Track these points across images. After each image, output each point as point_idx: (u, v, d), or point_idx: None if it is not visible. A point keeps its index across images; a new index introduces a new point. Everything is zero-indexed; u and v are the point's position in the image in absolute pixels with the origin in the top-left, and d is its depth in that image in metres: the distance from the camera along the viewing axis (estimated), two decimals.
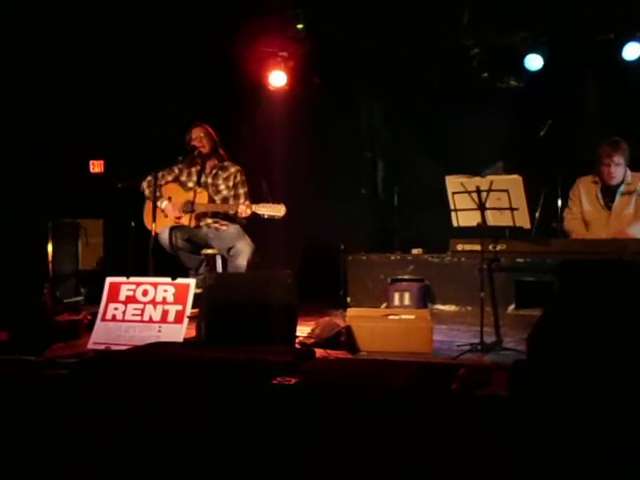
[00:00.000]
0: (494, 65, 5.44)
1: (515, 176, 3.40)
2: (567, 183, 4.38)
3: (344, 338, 3.53)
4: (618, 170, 3.85)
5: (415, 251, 5.58)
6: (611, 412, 1.90)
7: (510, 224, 3.45)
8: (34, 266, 4.67)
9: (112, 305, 3.60)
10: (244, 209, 4.17)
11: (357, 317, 3.65)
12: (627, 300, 2.58)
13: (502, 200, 3.38)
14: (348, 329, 3.52)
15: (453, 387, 2.22)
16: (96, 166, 5.70)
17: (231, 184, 4.46)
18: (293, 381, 2.30)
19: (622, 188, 3.91)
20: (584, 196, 4.02)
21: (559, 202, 4.80)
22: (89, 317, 3.85)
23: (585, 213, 4.01)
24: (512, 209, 3.38)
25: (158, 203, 4.27)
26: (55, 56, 5.23)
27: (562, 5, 4.99)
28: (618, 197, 3.92)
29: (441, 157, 5.73)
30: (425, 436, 1.88)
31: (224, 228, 4.36)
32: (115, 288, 3.64)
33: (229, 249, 4.26)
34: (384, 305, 5.15)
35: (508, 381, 2.12)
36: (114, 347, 3.40)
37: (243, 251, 4.19)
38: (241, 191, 4.46)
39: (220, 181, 4.47)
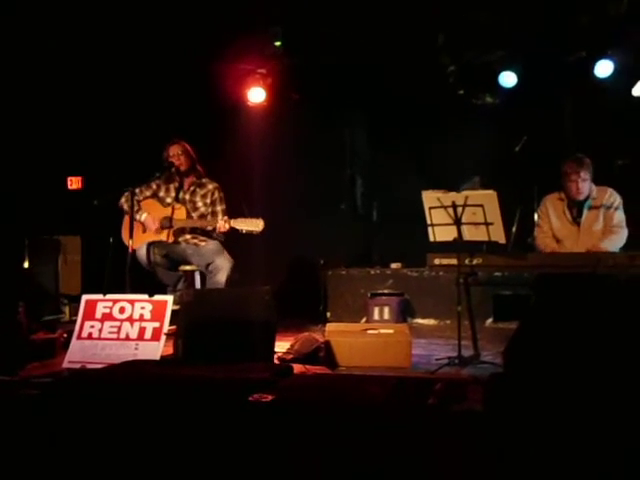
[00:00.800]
0: (470, 82, 5.53)
1: (490, 191, 3.44)
2: (543, 198, 4.45)
3: (323, 353, 3.52)
4: (585, 185, 3.95)
5: (394, 265, 5.61)
6: (586, 423, 1.92)
7: (485, 238, 3.49)
8: (9, 284, 4.60)
9: (88, 323, 3.56)
10: (222, 224, 4.17)
11: (336, 332, 3.65)
12: (601, 313, 2.62)
13: (477, 215, 3.43)
14: (327, 344, 3.51)
15: (430, 402, 2.22)
16: (74, 182, 5.66)
17: (209, 201, 4.46)
18: (270, 398, 2.29)
19: (589, 203, 3.99)
20: (552, 213, 4.11)
21: (535, 217, 4.86)
22: (65, 335, 3.80)
23: (555, 230, 4.09)
24: (487, 224, 3.42)
25: (137, 216, 4.25)
26: (32, 72, 5.20)
27: (535, 24, 5.09)
28: (585, 212, 4.00)
29: (419, 173, 5.79)
30: (403, 451, 1.88)
31: (203, 244, 4.35)
32: (91, 306, 3.60)
33: (208, 265, 4.25)
34: (364, 319, 5.15)
35: (484, 395, 2.13)
36: (90, 366, 3.35)
37: (222, 267, 4.18)
38: (219, 208, 4.46)
39: (198, 198, 4.47)
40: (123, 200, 4.42)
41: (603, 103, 5.36)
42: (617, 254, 3.57)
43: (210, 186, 4.49)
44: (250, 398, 2.26)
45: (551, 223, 4.09)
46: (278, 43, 5.35)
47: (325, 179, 6.16)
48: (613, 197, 3.96)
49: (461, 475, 1.68)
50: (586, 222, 3.97)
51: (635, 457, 1.76)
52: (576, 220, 4.02)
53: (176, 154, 4.41)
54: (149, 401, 2.43)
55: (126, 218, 4.40)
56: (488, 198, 3.42)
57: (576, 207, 4.02)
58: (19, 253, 4.97)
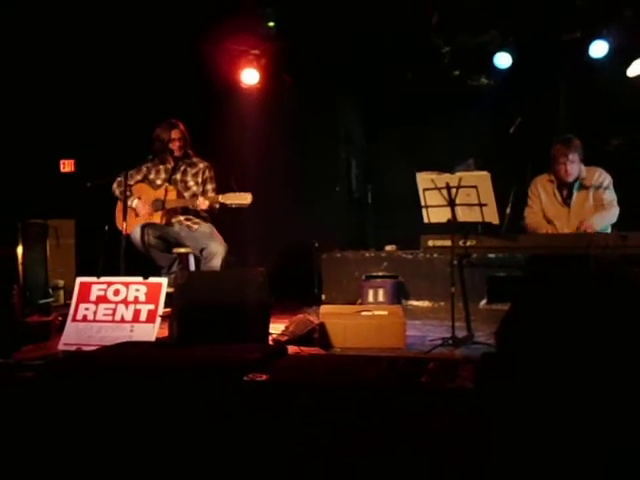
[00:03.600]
0: (465, 63, 5.51)
1: (483, 172, 3.45)
2: (533, 179, 4.45)
3: (317, 335, 3.54)
4: (574, 167, 3.93)
5: (389, 248, 5.63)
6: (575, 403, 1.94)
7: (479, 219, 3.50)
8: (2, 268, 4.59)
9: (83, 305, 3.56)
10: (201, 201, 4.17)
11: (330, 314, 3.67)
12: (593, 294, 2.64)
13: (471, 196, 3.43)
14: (321, 326, 3.54)
15: (422, 380, 2.24)
16: (66, 165, 5.62)
17: (200, 180, 4.44)
18: (265, 378, 2.30)
19: (578, 183, 3.99)
20: (542, 194, 4.10)
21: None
22: (60, 318, 3.81)
23: (545, 210, 4.08)
24: (481, 205, 3.43)
25: (129, 202, 4.24)
26: (24, 54, 5.15)
27: (530, 4, 5.06)
28: (575, 193, 4.00)
29: (413, 155, 5.78)
30: (395, 427, 1.90)
31: (196, 227, 4.34)
32: (86, 288, 3.60)
33: (202, 250, 4.24)
34: (359, 302, 5.18)
35: (474, 374, 2.15)
36: (85, 348, 3.36)
37: (217, 252, 4.18)
38: (209, 187, 4.44)
39: (189, 177, 4.45)
40: (115, 186, 4.41)
41: (598, 83, 5.35)
42: (609, 235, 3.58)
43: (201, 165, 4.48)
44: (245, 378, 2.28)
45: (542, 203, 4.08)
46: (271, 24, 5.30)
47: (319, 162, 6.14)
48: (602, 177, 3.96)
49: (452, 449, 1.70)
50: (576, 203, 3.97)
51: (624, 438, 1.78)
52: (566, 201, 4.02)
53: (177, 138, 4.38)
54: (144, 382, 2.44)
55: (119, 203, 4.39)
56: (482, 179, 3.42)
57: (566, 188, 4.01)
58: (11, 237, 4.94)
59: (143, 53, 5.30)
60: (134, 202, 4.34)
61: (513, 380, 1.95)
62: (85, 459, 1.97)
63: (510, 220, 4.52)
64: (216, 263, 4.17)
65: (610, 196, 3.93)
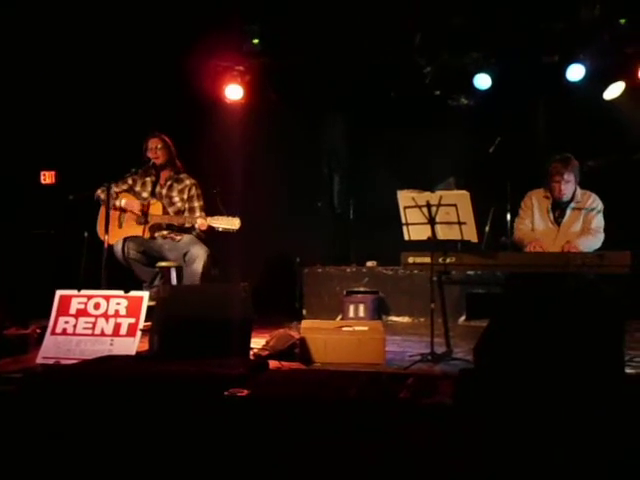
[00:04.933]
0: (446, 83, 5.61)
1: (463, 192, 3.50)
2: (516, 198, 4.52)
3: (298, 350, 3.55)
4: (568, 187, 3.94)
5: (370, 264, 5.67)
6: (553, 418, 1.98)
7: (458, 238, 3.55)
8: None
9: (62, 319, 3.53)
10: (202, 222, 4.18)
11: (311, 329, 3.68)
12: (570, 312, 2.69)
13: (451, 215, 3.48)
14: (302, 341, 3.55)
15: (401, 396, 2.27)
16: (47, 177, 5.59)
17: (185, 197, 4.45)
18: (245, 393, 2.31)
19: (572, 205, 4.00)
20: (537, 210, 4.09)
21: (508, 217, 4.95)
22: (38, 331, 3.77)
23: (535, 225, 4.09)
24: (460, 223, 3.48)
25: (117, 202, 4.24)
26: (7, 65, 5.13)
27: (510, 28, 5.18)
28: (568, 213, 4.00)
29: (395, 172, 5.84)
30: (375, 442, 1.92)
31: (179, 238, 4.35)
32: (65, 301, 3.58)
33: (184, 255, 4.25)
34: (339, 317, 5.20)
35: (453, 389, 2.18)
36: (64, 361, 3.33)
37: (198, 255, 4.19)
38: (196, 204, 4.46)
39: (175, 193, 4.46)
40: (99, 191, 4.39)
41: (575, 106, 5.48)
42: (587, 254, 3.64)
43: (187, 182, 4.49)
44: (225, 393, 2.28)
45: (533, 217, 4.10)
46: (256, 41, 5.36)
47: (302, 177, 6.19)
48: (596, 202, 3.98)
49: (431, 464, 1.73)
50: (566, 224, 3.98)
51: (602, 449, 1.82)
52: (557, 220, 4.03)
53: (154, 147, 4.40)
54: (124, 396, 2.43)
55: (101, 212, 4.36)
56: (461, 198, 3.48)
57: (559, 208, 4.03)
58: None
59: (128, 67, 5.31)
60: (123, 201, 4.33)
61: (491, 395, 1.99)
62: (65, 472, 1.96)
63: (489, 238, 4.60)
64: (198, 266, 4.17)
65: (599, 221, 3.95)
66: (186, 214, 4.40)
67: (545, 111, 5.75)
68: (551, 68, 5.36)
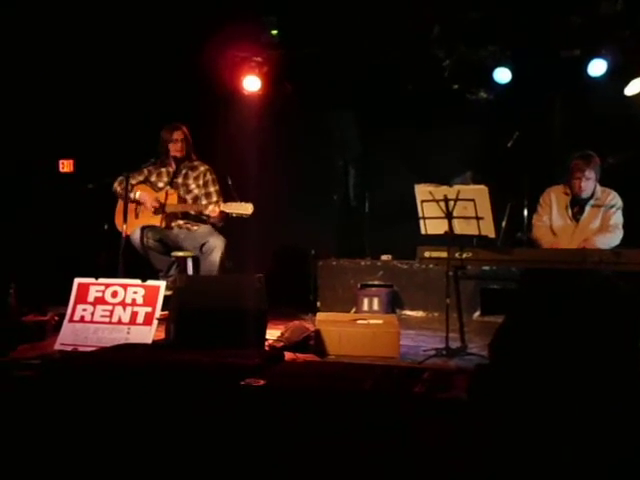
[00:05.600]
0: (464, 77, 5.56)
1: (481, 186, 3.48)
2: (533, 194, 4.49)
3: (313, 342, 3.57)
4: (589, 184, 3.92)
5: (384, 257, 5.65)
6: (569, 415, 1.98)
7: (476, 233, 3.53)
8: None
9: (80, 306, 3.58)
10: (213, 208, 4.20)
11: (326, 321, 3.70)
12: (586, 308, 2.68)
13: (468, 209, 3.47)
14: (317, 333, 3.56)
15: (416, 390, 2.28)
16: (65, 165, 5.63)
17: (201, 182, 4.48)
18: (261, 383, 2.33)
19: (591, 202, 3.98)
20: (555, 205, 4.07)
21: (525, 212, 4.92)
22: (56, 318, 3.82)
23: (553, 222, 4.08)
24: (478, 218, 3.47)
25: (132, 195, 4.27)
26: (25, 53, 5.17)
27: (530, 21, 5.13)
28: (587, 210, 3.98)
29: (412, 166, 5.82)
30: (388, 436, 1.93)
31: (195, 228, 4.38)
32: (84, 289, 3.62)
33: (202, 246, 4.28)
34: (353, 310, 5.21)
35: (468, 384, 2.18)
36: (81, 348, 3.38)
37: (216, 246, 4.21)
38: (212, 189, 4.48)
39: (190, 180, 4.49)
40: (116, 184, 4.43)
41: (595, 102, 5.41)
42: (604, 251, 3.62)
43: (202, 168, 4.52)
44: (242, 382, 2.30)
45: (551, 214, 4.08)
46: (274, 32, 5.35)
47: (318, 170, 6.18)
48: (615, 200, 3.96)
49: (445, 459, 1.74)
50: (585, 220, 3.96)
51: (617, 446, 1.82)
52: (576, 217, 4.00)
53: (178, 139, 4.42)
54: (141, 384, 2.46)
55: (119, 203, 4.41)
56: (479, 193, 3.46)
57: (579, 204, 4.01)
58: (9, 236, 4.95)
59: (146, 57, 5.33)
60: (137, 194, 4.36)
61: (506, 391, 1.99)
62: (82, 458, 1.98)
63: (506, 233, 4.57)
64: (215, 257, 4.19)
65: (618, 218, 3.93)
66: (203, 200, 4.42)
67: (564, 106, 5.69)
68: (572, 63, 5.30)
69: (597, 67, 5.21)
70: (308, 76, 5.80)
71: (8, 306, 4.04)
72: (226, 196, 4.39)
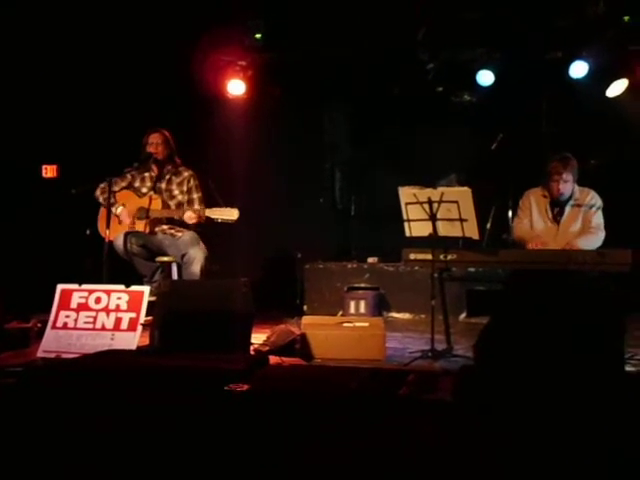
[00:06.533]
0: (448, 80, 5.60)
1: (465, 188, 3.50)
2: (518, 195, 4.50)
3: (299, 346, 3.56)
4: (567, 187, 3.94)
5: (371, 260, 5.66)
6: (554, 415, 1.98)
7: (460, 234, 3.54)
8: None
9: (63, 313, 3.54)
10: (190, 215, 4.18)
11: (312, 325, 3.69)
12: (570, 309, 2.69)
13: (452, 211, 3.48)
14: (303, 337, 3.55)
15: (401, 392, 2.27)
16: (49, 171, 5.58)
17: (185, 189, 4.46)
18: (246, 388, 2.32)
19: (571, 202, 4.00)
20: (535, 208, 4.08)
21: (510, 214, 4.95)
22: (39, 325, 3.77)
23: (534, 225, 4.09)
24: (462, 220, 3.47)
25: (113, 209, 4.23)
26: (9, 58, 5.13)
27: (514, 23, 5.17)
28: (567, 210, 4.00)
29: (397, 168, 5.84)
30: (374, 439, 1.93)
31: (179, 235, 4.35)
32: (67, 295, 3.58)
33: (182, 256, 4.25)
34: (340, 313, 5.21)
35: (453, 386, 2.18)
36: (65, 355, 3.34)
37: (196, 258, 4.19)
38: (195, 196, 4.46)
39: (174, 186, 4.46)
40: (98, 192, 4.41)
41: (578, 103, 5.46)
42: (588, 251, 3.63)
43: (185, 173, 4.49)
44: (226, 387, 2.29)
45: (532, 217, 4.09)
46: (258, 36, 5.35)
47: (304, 173, 6.19)
48: (595, 199, 3.98)
49: (431, 460, 1.73)
50: (566, 222, 3.97)
51: (603, 447, 1.83)
52: (556, 218, 4.02)
53: (155, 142, 4.40)
54: (125, 390, 2.44)
55: (102, 209, 4.38)
56: (463, 195, 3.47)
57: (558, 206, 4.03)
58: None
59: (130, 61, 5.30)
60: (119, 209, 4.34)
61: (491, 392, 1.99)
62: (65, 466, 1.96)
63: (490, 235, 4.60)
64: (195, 268, 4.17)
65: (599, 219, 3.94)
66: (186, 206, 4.40)
67: (548, 108, 5.74)
68: (554, 65, 5.35)
69: (579, 69, 5.26)
70: (293, 80, 5.80)
71: None
72: (210, 202, 4.37)
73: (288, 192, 5.98)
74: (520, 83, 5.44)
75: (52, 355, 3.38)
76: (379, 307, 5.27)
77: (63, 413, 2.29)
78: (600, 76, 5.32)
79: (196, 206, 4.39)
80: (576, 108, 5.48)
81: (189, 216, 4.19)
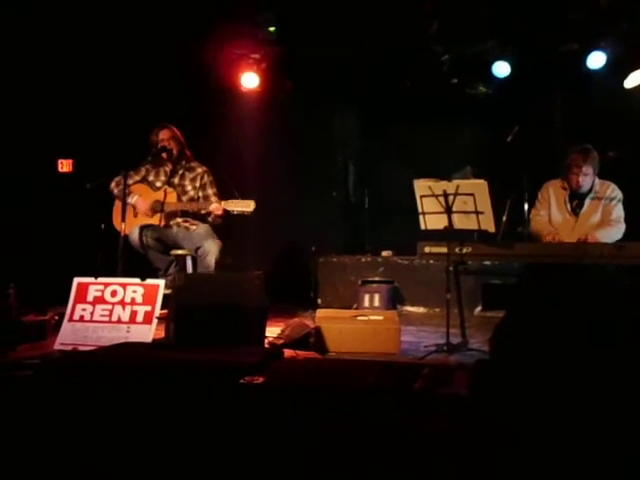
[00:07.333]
0: (463, 71, 5.55)
1: (481, 181, 3.47)
2: (533, 188, 4.47)
3: (313, 339, 3.56)
4: (586, 180, 3.88)
5: (385, 253, 5.65)
6: (569, 411, 1.97)
7: (476, 227, 3.52)
8: None
9: (80, 306, 3.57)
10: (217, 206, 4.19)
11: (326, 318, 3.68)
12: (586, 303, 2.66)
13: (468, 204, 3.45)
14: (317, 330, 3.55)
15: (416, 386, 2.27)
16: (64, 165, 5.62)
17: (198, 185, 4.46)
18: (261, 380, 2.32)
19: (591, 195, 3.94)
20: (553, 200, 4.04)
21: (525, 207, 4.90)
22: (56, 318, 3.81)
23: (552, 217, 4.04)
24: (478, 213, 3.45)
25: (128, 199, 4.25)
26: (24, 53, 5.16)
27: (529, 15, 5.10)
28: (587, 203, 3.95)
29: (411, 161, 5.81)
30: (388, 432, 1.92)
31: (194, 228, 4.36)
32: (83, 289, 3.61)
33: (197, 249, 4.27)
34: (354, 306, 5.20)
35: (468, 380, 2.17)
36: (81, 348, 3.37)
37: (210, 250, 4.19)
38: (210, 191, 4.46)
39: (187, 182, 4.47)
40: (113, 185, 4.42)
41: (595, 94, 5.39)
42: (605, 244, 3.59)
43: (199, 170, 4.50)
44: (241, 380, 2.29)
45: (550, 209, 4.04)
46: (272, 28, 5.33)
47: (317, 166, 6.17)
48: (615, 192, 3.92)
49: (445, 454, 1.72)
50: (585, 214, 3.92)
51: (619, 442, 1.81)
52: (575, 211, 3.97)
53: (166, 138, 4.41)
54: (141, 383, 2.46)
55: (117, 203, 4.41)
56: (479, 187, 3.44)
57: (577, 198, 3.97)
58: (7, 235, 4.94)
59: (143, 55, 5.31)
60: (134, 198, 4.35)
61: (507, 387, 1.97)
62: (82, 458, 1.98)
63: (506, 228, 4.55)
64: (210, 261, 4.18)
65: (619, 212, 3.89)
66: (201, 202, 4.41)
67: (564, 100, 5.67)
68: (571, 56, 5.28)
69: (596, 60, 5.20)
70: (306, 73, 5.78)
71: (8, 306, 4.03)
72: (226, 195, 4.38)
73: (301, 185, 5.97)
74: (536, 75, 5.38)
75: (69, 347, 3.41)
76: (393, 301, 5.26)
77: (80, 404, 2.31)
78: (617, 67, 5.24)
79: (212, 201, 4.40)
80: (593, 99, 5.41)
81: (216, 207, 4.19)
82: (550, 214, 4.03)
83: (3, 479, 1.85)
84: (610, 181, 4.00)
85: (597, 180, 3.94)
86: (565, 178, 3.98)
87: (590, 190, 3.93)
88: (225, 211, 4.18)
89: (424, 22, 5.23)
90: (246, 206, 4.08)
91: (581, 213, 3.95)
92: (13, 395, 2.53)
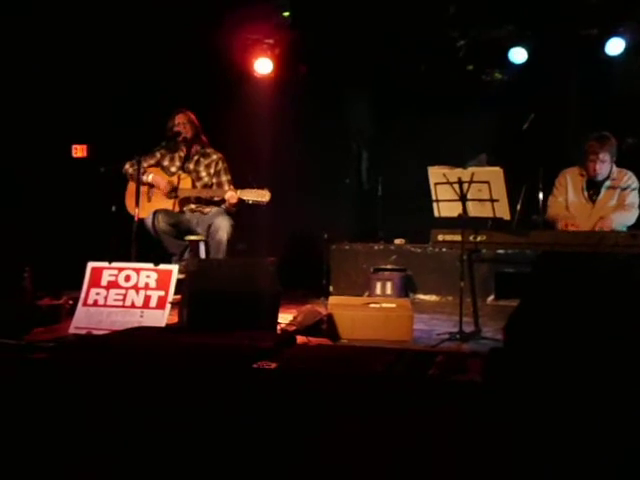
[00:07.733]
0: (479, 57, 5.49)
1: (496, 168, 3.44)
2: (548, 176, 4.44)
3: (325, 326, 3.56)
4: (603, 167, 3.89)
5: (398, 241, 5.63)
6: (583, 400, 1.95)
7: (490, 215, 3.49)
8: (14, 250, 4.63)
9: (94, 290, 3.59)
10: (232, 194, 4.18)
11: (338, 305, 3.69)
12: (602, 292, 2.64)
13: (483, 191, 3.43)
14: (329, 317, 3.55)
15: (430, 373, 2.26)
16: (79, 150, 5.64)
17: (212, 171, 4.46)
18: (274, 366, 2.33)
19: (607, 183, 3.95)
20: (570, 187, 4.06)
21: (540, 195, 4.85)
22: (70, 302, 3.84)
23: (569, 204, 4.06)
24: (492, 200, 3.42)
25: (144, 177, 4.25)
26: (38, 39, 5.16)
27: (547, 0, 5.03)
28: (603, 191, 3.96)
29: (425, 148, 5.77)
30: (402, 420, 1.92)
31: (207, 210, 4.38)
32: (97, 273, 3.63)
33: (209, 227, 4.27)
34: (366, 294, 5.20)
35: (483, 367, 2.17)
36: (95, 332, 3.40)
37: (221, 226, 4.19)
38: (224, 179, 4.46)
39: (201, 168, 4.47)
40: (128, 165, 4.42)
41: (613, 81, 5.32)
42: (620, 233, 3.57)
43: (214, 156, 4.49)
44: (254, 365, 2.30)
45: (567, 196, 4.05)
46: (286, 13, 5.30)
47: (330, 153, 6.15)
48: (632, 180, 3.94)
49: (459, 442, 1.72)
50: (601, 201, 3.95)
51: (636, 432, 1.80)
52: (592, 198, 3.99)
53: (182, 123, 4.41)
54: (154, 367, 2.47)
55: (130, 186, 4.40)
56: (494, 175, 3.42)
57: (595, 185, 3.98)
58: (23, 220, 4.98)
59: (157, 41, 5.30)
60: (150, 176, 4.35)
61: (521, 375, 1.97)
62: (96, 441, 2.00)
63: (520, 216, 4.52)
64: (222, 235, 4.17)
65: (634, 198, 3.94)
66: (213, 188, 4.41)
67: (581, 86, 5.59)
68: (589, 42, 5.21)
69: (615, 46, 5.12)
70: (320, 58, 5.74)
71: (23, 290, 4.07)
72: (240, 184, 4.37)
73: (314, 172, 5.95)
74: (554, 61, 5.31)
75: (83, 331, 3.44)
76: (406, 289, 5.25)
77: (95, 387, 2.33)
78: (636, 53, 5.16)
79: (226, 188, 4.40)
80: (611, 86, 5.34)
81: (231, 195, 4.19)
82: (567, 200, 4.05)
83: (18, 460, 1.87)
84: (628, 169, 3.98)
85: (615, 168, 3.93)
86: (583, 165, 3.98)
87: (607, 177, 3.92)
88: (240, 200, 4.18)
89: (440, 6, 5.17)
90: (262, 196, 4.08)
91: (597, 200, 3.97)
92: (28, 377, 2.55)
